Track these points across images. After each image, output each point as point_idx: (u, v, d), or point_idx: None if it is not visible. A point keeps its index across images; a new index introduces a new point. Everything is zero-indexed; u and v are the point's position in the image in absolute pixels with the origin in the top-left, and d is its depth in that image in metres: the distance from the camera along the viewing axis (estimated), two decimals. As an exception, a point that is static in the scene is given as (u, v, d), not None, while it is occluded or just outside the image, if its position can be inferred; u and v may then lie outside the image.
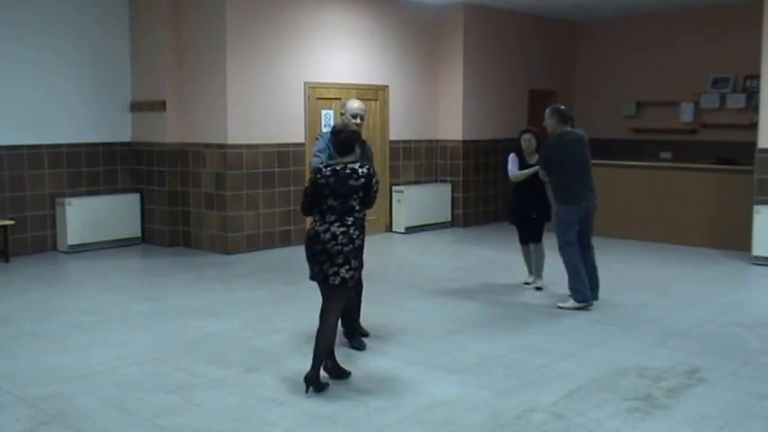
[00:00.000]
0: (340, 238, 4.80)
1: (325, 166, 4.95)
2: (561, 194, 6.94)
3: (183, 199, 9.96)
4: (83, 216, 9.49)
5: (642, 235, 10.39)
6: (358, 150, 5.06)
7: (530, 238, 7.61)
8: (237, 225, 9.54)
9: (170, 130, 9.84)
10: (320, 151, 5.69)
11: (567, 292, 6.91)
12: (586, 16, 13.19)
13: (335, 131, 5.12)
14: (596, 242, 10.33)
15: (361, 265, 5.00)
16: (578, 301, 6.83)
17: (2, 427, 4.28)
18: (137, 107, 10.13)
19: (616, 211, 10.71)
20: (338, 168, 4.89)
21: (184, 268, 8.69)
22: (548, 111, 7.05)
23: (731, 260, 9.17)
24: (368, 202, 4.97)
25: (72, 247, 9.42)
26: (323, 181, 4.88)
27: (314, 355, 4.85)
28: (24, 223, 9.25)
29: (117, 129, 10.10)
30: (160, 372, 5.17)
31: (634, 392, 4.78)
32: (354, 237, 4.86)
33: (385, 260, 9.22)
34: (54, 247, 9.54)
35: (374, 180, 4.93)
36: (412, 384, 4.97)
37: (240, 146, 9.46)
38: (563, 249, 6.91)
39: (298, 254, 9.52)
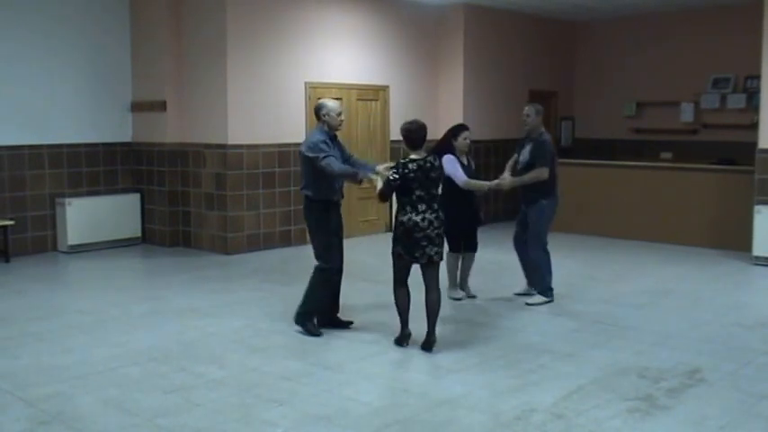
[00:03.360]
0: (435, 223, 5.54)
1: (410, 161, 5.50)
2: (549, 190, 6.97)
3: (184, 199, 9.96)
4: (83, 216, 9.49)
5: (642, 235, 10.39)
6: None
7: (467, 246, 7.11)
8: (238, 225, 9.53)
9: (170, 131, 9.84)
10: (329, 148, 5.88)
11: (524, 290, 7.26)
12: (586, 16, 13.18)
13: (410, 128, 5.62)
14: (596, 242, 10.44)
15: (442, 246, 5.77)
16: (549, 297, 7.06)
17: (2, 427, 4.28)
18: (137, 107, 10.13)
19: (616, 212, 10.72)
20: (421, 163, 5.51)
21: (185, 268, 8.68)
22: (532, 108, 6.99)
23: (731, 260, 9.16)
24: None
25: (72, 247, 9.42)
26: (411, 175, 5.48)
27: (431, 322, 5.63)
28: (24, 223, 9.25)
29: (117, 129, 10.09)
30: (160, 372, 5.17)
31: (634, 393, 4.78)
32: (443, 219, 5.64)
33: (384, 260, 9.18)
34: (54, 248, 9.54)
35: (444, 171, 5.88)
36: (412, 384, 4.97)
37: (240, 146, 9.46)
38: (544, 247, 7.03)
39: (298, 254, 9.58)
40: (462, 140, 6.93)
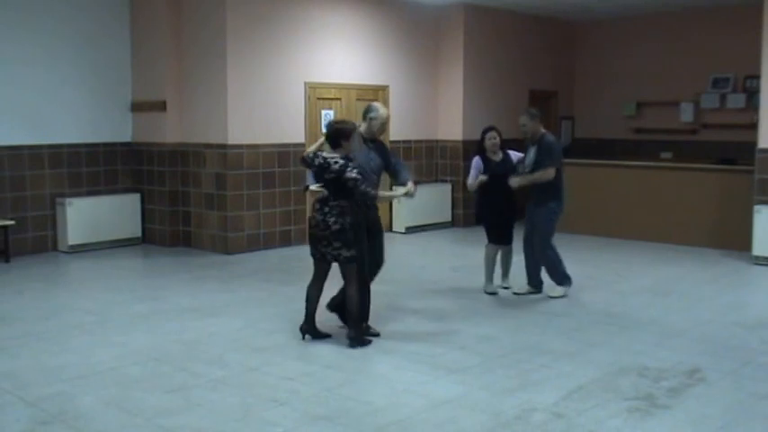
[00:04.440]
0: (321, 225, 5.55)
1: (317, 155, 5.58)
2: (557, 192, 7.13)
3: (184, 199, 9.97)
4: (83, 216, 9.49)
5: (642, 235, 10.39)
6: (350, 146, 5.57)
7: (504, 239, 7.37)
8: (238, 225, 9.54)
9: (170, 131, 9.85)
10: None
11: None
12: (586, 16, 13.18)
13: (330, 127, 5.68)
14: (596, 242, 10.45)
15: (349, 249, 5.57)
16: (568, 285, 7.28)
17: (2, 427, 4.28)
18: (137, 107, 10.13)
19: (616, 212, 10.73)
20: (321, 160, 5.55)
21: (185, 268, 8.69)
22: (525, 116, 7.16)
23: (731, 260, 9.17)
24: (348, 195, 5.51)
25: (72, 247, 9.42)
26: (313, 168, 5.61)
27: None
28: (25, 223, 9.25)
29: (117, 129, 10.10)
30: (160, 372, 5.18)
31: (634, 392, 4.78)
32: (330, 223, 5.51)
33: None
34: (54, 248, 9.54)
35: (345, 176, 5.42)
36: (412, 384, 4.97)
37: (241, 146, 9.47)
38: (551, 245, 7.19)
39: (298, 254, 9.58)
40: (489, 141, 7.23)
